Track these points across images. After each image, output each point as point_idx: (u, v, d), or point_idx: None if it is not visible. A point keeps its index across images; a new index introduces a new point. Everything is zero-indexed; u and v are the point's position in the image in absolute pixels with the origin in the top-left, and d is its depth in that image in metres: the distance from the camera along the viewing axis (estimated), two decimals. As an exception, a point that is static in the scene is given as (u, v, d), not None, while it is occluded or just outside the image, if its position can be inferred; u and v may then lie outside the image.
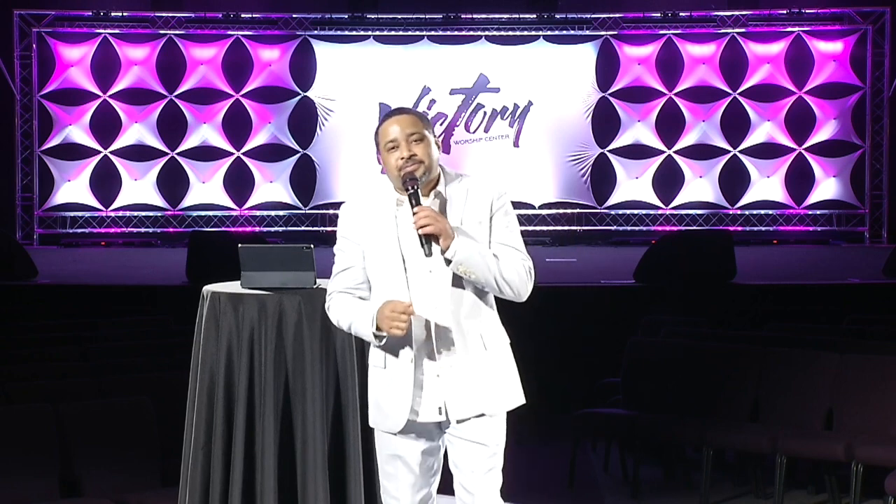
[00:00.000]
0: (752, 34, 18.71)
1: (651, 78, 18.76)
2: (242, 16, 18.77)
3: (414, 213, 3.85)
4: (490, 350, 3.99)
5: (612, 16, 18.71)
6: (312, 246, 4.71)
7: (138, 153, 18.71)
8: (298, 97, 18.80)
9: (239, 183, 18.79)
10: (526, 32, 18.81)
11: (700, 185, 18.81)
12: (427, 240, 3.83)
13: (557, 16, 18.74)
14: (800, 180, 18.68)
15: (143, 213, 18.73)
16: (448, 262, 3.87)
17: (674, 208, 18.81)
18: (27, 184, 18.60)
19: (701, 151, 18.79)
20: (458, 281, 3.93)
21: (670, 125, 18.74)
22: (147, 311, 10.55)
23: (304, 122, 18.79)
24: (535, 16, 18.74)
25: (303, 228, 18.73)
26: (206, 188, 18.77)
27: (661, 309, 10.10)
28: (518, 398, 4.06)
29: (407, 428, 3.97)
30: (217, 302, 4.57)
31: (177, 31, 18.71)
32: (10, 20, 18.44)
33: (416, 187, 3.89)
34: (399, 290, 3.96)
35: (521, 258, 3.97)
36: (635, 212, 18.84)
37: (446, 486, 4.24)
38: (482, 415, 3.97)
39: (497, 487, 4.03)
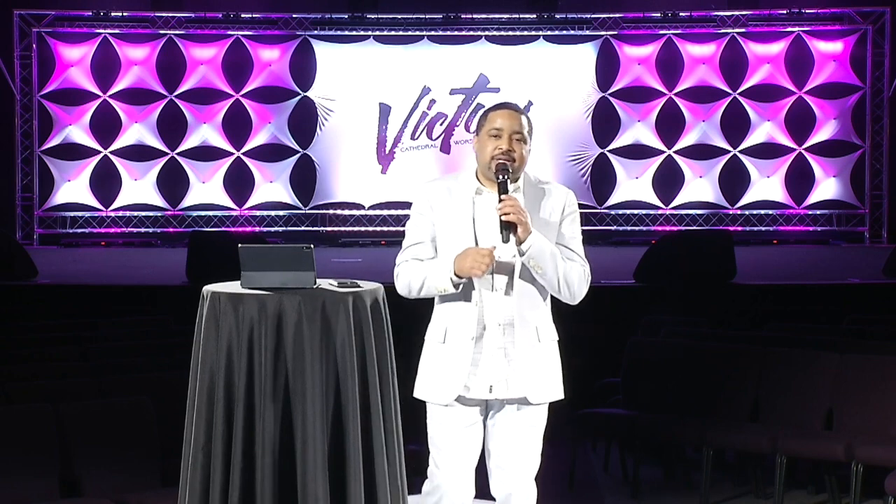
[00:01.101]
0: (752, 34, 18.72)
1: (651, 78, 18.77)
2: (242, 16, 18.78)
3: (500, 200, 4.10)
4: (542, 343, 4.28)
5: (612, 16, 18.72)
6: (312, 246, 4.71)
7: (138, 153, 18.72)
8: (298, 97, 18.81)
9: (239, 183, 18.81)
10: (526, 32, 18.82)
11: (700, 185, 18.82)
12: (507, 227, 4.07)
13: (557, 16, 18.75)
14: (800, 180, 18.70)
15: (143, 213, 18.74)
16: (522, 253, 4.12)
17: (674, 208, 18.81)
18: (27, 184, 18.61)
19: (701, 151, 18.80)
20: (524, 273, 4.19)
21: (670, 125, 18.75)
22: (147, 311, 10.54)
23: (304, 122, 18.80)
24: (535, 16, 18.75)
25: (303, 228, 18.75)
26: (206, 188, 18.78)
27: (661, 309, 10.10)
28: (559, 392, 4.34)
29: (458, 402, 4.25)
30: (217, 302, 4.57)
31: (177, 31, 18.72)
32: (10, 20, 18.45)
33: (506, 177, 4.15)
34: None
35: (581, 264, 4.26)
36: (635, 212, 18.85)
37: (482, 492, 4.43)
38: (526, 401, 4.24)
39: (532, 471, 4.31)
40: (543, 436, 4.39)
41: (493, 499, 4.43)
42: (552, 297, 4.33)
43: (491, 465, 4.35)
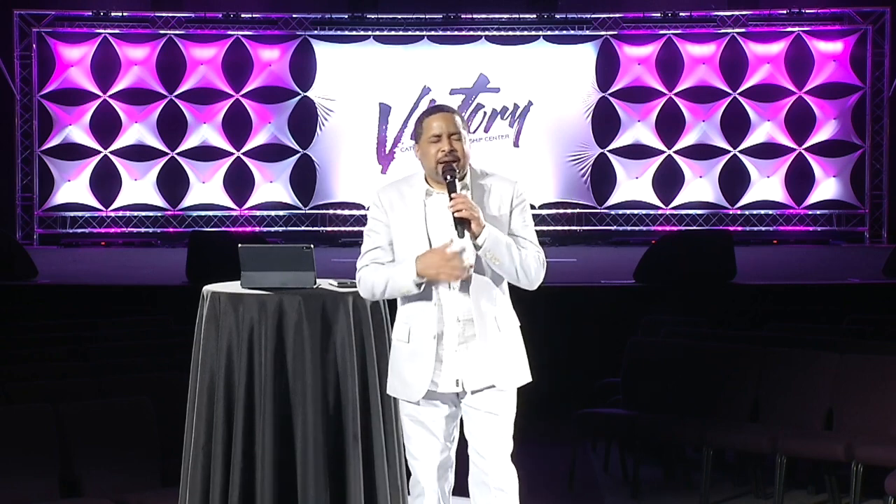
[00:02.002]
0: (752, 34, 18.71)
1: (651, 78, 18.76)
2: (242, 16, 18.77)
3: (451, 199, 4.24)
4: (503, 331, 4.38)
5: (612, 16, 18.72)
6: (312, 246, 4.72)
7: (138, 153, 18.71)
8: (298, 97, 18.80)
9: (239, 183, 18.80)
10: (526, 32, 18.82)
11: (700, 185, 18.82)
12: (460, 223, 4.20)
13: (557, 16, 18.74)
14: (800, 180, 18.69)
15: (143, 213, 18.73)
16: (477, 247, 4.24)
17: (674, 208, 18.81)
18: (27, 184, 18.60)
19: (701, 151, 18.79)
20: (478, 267, 4.33)
21: (670, 125, 18.74)
22: (147, 311, 10.54)
23: (304, 122, 18.80)
24: (535, 16, 18.74)
25: (303, 228, 18.74)
26: (206, 188, 18.78)
27: (661, 309, 10.09)
28: (526, 376, 4.45)
29: (427, 397, 4.34)
30: (217, 302, 4.58)
31: (177, 31, 18.71)
32: (10, 20, 18.44)
33: (453, 177, 4.30)
34: None
35: (536, 251, 4.38)
36: (635, 212, 18.84)
37: (461, 489, 4.46)
38: (494, 388, 4.35)
39: (507, 452, 4.41)
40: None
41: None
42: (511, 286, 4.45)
43: (468, 454, 4.44)
